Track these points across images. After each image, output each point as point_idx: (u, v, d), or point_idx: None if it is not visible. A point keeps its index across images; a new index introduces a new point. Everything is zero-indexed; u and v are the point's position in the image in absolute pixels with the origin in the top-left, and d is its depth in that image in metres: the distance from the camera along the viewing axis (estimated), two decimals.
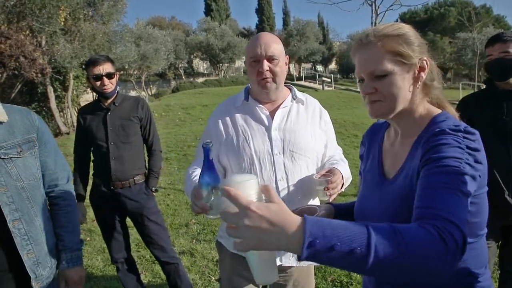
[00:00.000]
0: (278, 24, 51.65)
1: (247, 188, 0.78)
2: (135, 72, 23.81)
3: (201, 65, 39.51)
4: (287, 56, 1.70)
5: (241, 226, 0.69)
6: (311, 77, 34.60)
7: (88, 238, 4.26)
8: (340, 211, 1.18)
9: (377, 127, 1.23)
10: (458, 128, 0.89)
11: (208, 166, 1.25)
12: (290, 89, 1.77)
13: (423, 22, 37.30)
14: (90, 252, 3.89)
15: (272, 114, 1.67)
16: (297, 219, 0.70)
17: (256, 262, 0.82)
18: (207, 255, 3.66)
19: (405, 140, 1.05)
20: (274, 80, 1.61)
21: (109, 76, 2.48)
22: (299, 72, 36.10)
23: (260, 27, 40.79)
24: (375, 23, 7.17)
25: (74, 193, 1.61)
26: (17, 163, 1.35)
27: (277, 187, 1.58)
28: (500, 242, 2.30)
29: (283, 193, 1.58)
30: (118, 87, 2.61)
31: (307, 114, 1.72)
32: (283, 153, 1.62)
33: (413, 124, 1.03)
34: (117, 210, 2.63)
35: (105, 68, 2.46)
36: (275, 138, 1.63)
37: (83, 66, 16.44)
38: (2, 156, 1.32)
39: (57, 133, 13.66)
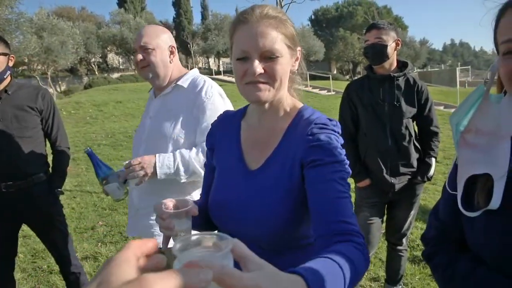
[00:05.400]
0: (197, 18, 50.97)
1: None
2: (39, 67, 21.64)
3: (116, 59, 37.34)
4: (171, 46, 1.79)
5: None
6: (230, 71, 34.66)
7: None
8: (200, 206, 1.08)
9: (229, 116, 1.19)
10: (333, 124, 0.98)
11: (95, 164, 1.66)
12: (181, 76, 1.82)
13: (335, 19, 39.73)
14: None
15: None
16: (297, 281, 0.56)
17: None
18: None
19: (272, 129, 1.03)
20: (150, 68, 1.73)
21: None
22: (218, 66, 36.07)
23: (178, 21, 39.76)
24: None
25: None
26: None
27: None
28: (384, 218, 2.50)
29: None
30: (9, 72, 2.21)
31: (182, 99, 1.74)
32: (146, 139, 1.76)
33: (282, 113, 1.04)
34: (10, 217, 2.25)
35: None
36: (147, 125, 1.80)
37: None
38: None
39: None
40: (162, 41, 1.74)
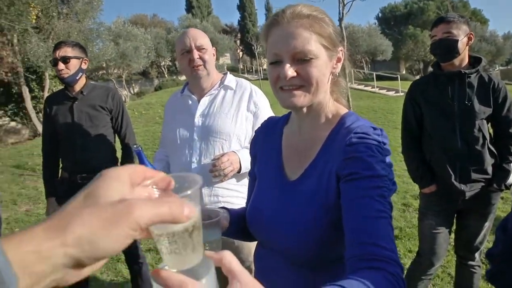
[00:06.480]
0: (261, 20, 51.63)
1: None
2: (115, 71, 23.40)
3: None
4: (214, 48, 1.90)
5: None
6: None
7: None
8: (235, 215, 1.05)
9: (272, 122, 1.13)
10: (377, 133, 0.87)
11: (142, 164, 1.66)
12: (223, 77, 1.91)
13: (404, 16, 37.74)
14: None
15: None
16: None
17: None
18: None
19: (312, 137, 0.97)
20: (205, 67, 1.80)
21: (64, 60, 2.29)
22: None
23: (242, 24, 40.63)
24: (343, 13, 7.14)
25: None
26: None
27: (190, 169, 1.74)
28: (454, 228, 2.29)
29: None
30: (81, 74, 2.40)
31: (233, 98, 1.83)
32: (201, 137, 1.78)
33: (323, 120, 0.97)
34: None
35: (62, 52, 2.29)
36: (197, 124, 1.80)
37: None
38: None
39: (35, 134, 13.33)
40: (209, 43, 1.85)
